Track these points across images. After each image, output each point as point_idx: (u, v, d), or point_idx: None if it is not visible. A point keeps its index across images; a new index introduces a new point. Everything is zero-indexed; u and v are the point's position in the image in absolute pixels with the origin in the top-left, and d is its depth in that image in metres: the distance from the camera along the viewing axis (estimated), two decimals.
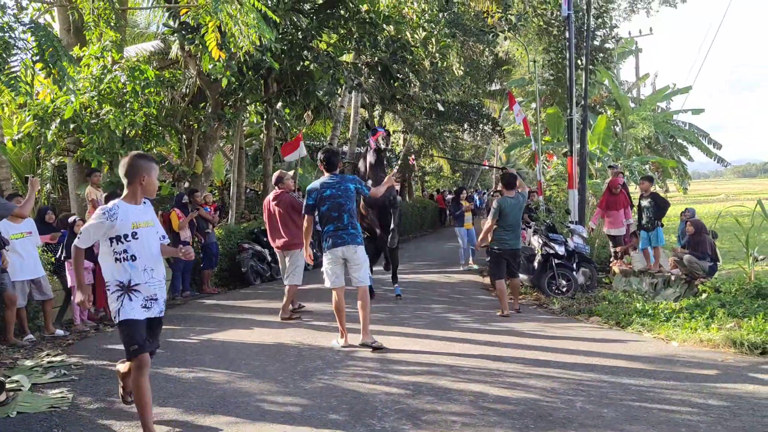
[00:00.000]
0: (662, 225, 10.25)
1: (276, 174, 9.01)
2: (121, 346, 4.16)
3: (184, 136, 12.98)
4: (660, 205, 10.20)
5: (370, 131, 9.64)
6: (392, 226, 9.44)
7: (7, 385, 5.30)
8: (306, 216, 6.76)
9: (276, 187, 8.76)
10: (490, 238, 8.48)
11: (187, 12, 9.30)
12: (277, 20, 9.80)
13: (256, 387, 5.31)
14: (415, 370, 5.69)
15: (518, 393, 5.00)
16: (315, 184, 6.79)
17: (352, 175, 7.10)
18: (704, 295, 8.36)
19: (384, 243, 9.76)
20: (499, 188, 11.87)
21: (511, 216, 8.33)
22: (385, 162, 9.67)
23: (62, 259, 8.43)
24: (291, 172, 9.46)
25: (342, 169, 8.49)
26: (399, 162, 27.91)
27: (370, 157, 9.51)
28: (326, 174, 6.78)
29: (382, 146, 9.28)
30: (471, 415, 4.49)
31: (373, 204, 9.51)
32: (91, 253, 8.56)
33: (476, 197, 21.98)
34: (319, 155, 6.95)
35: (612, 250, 11.29)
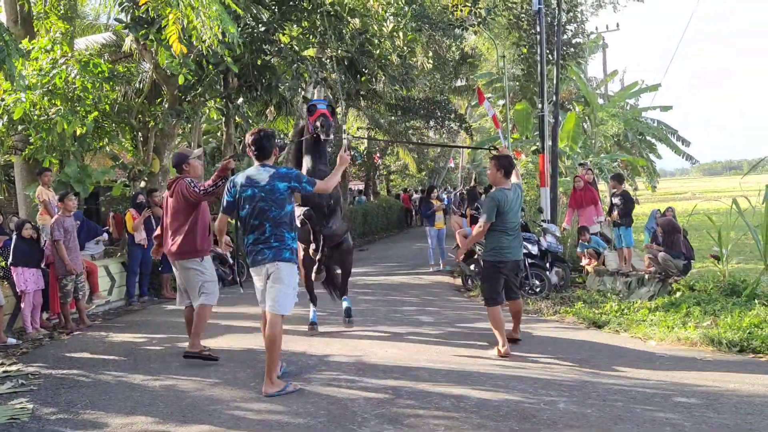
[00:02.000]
0: (630, 225, 10.15)
1: (175, 153, 6.64)
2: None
3: (139, 133, 12.41)
4: (628, 204, 10.10)
5: (307, 109, 7.08)
6: (321, 244, 6.86)
7: None
8: (220, 216, 5.40)
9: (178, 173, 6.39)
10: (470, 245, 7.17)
11: (146, 3, 8.80)
12: (241, 12, 9.40)
13: (228, 394, 5.12)
14: (393, 374, 5.58)
15: (500, 395, 4.91)
16: (237, 176, 5.31)
17: (288, 168, 5.44)
18: (679, 294, 8.32)
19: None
20: (472, 184, 11.49)
21: (510, 214, 6.33)
22: (326, 153, 7.07)
23: (9, 264, 7.90)
24: (197, 151, 7.12)
25: (278, 159, 6.20)
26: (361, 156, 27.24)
27: (305, 149, 6.93)
28: (256, 164, 5.27)
29: (322, 136, 6.68)
30: (454, 418, 4.42)
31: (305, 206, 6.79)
32: (37, 257, 8.08)
33: (444, 196, 21.67)
34: (247, 137, 5.33)
35: (580, 241, 11.10)
